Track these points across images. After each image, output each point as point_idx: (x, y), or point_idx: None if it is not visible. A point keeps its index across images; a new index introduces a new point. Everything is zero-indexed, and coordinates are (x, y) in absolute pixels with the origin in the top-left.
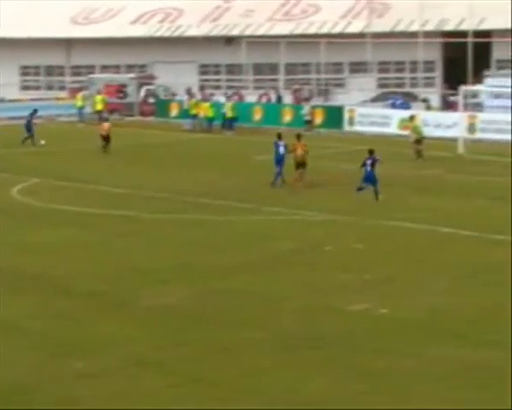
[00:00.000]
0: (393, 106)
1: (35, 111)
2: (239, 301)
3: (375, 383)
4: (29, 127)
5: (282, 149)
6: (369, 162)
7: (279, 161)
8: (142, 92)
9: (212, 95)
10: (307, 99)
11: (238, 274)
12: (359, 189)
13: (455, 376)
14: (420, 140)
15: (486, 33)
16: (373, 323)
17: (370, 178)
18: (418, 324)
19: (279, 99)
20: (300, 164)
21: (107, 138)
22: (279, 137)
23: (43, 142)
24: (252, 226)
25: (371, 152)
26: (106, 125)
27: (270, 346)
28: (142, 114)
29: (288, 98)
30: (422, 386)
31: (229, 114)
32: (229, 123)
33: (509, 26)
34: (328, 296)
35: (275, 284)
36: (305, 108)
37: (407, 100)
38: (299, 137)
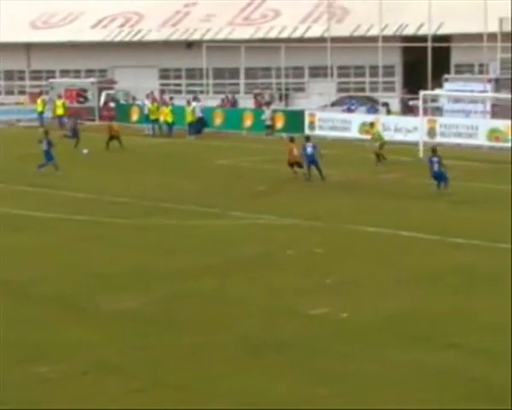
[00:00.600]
0: (349, 110)
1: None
2: (202, 305)
3: (337, 386)
4: (75, 132)
5: (309, 150)
6: (435, 160)
7: (310, 161)
8: (103, 97)
9: (171, 99)
10: (268, 103)
11: (201, 278)
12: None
13: (418, 379)
14: (381, 145)
15: (445, 38)
16: (335, 327)
17: (440, 176)
18: (380, 327)
19: (233, 104)
20: (297, 163)
21: (116, 138)
22: (307, 139)
23: (86, 151)
24: (214, 230)
25: (434, 150)
26: (115, 124)
27: (233, 350)
28: (103, 118)
29: (247, 103)
30: (385, 389)
31: (189, 118)
32: (190, 127)
33: (467, 31)
34: (290, 300)
35: (237, 287)
36: (266, 113)
37: (373, 104)
38: (292, 139)
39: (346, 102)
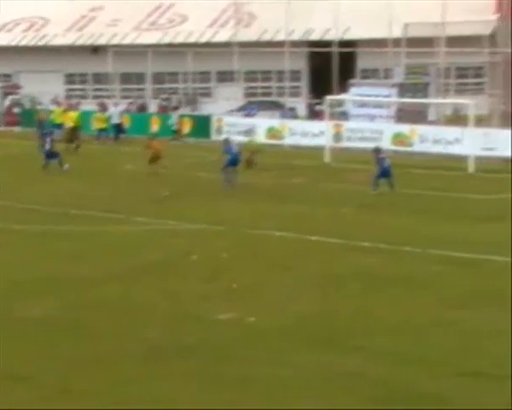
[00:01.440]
0: (249, 115)
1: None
2: (108, 312)
3: (244, 391)
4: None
5: (235, 149)
6: (384, 156)
7: (234, 161)
8: (7, 102)
9: (78, 104)
10: (175, 108)
11: (106, 285)
12: (376, 185)
13: (324, 382)
14: (256, 151)
15: (351, 43)
16: (240, 331)
17: (388, 172)
18: (286, 331)
19: (143, 108)
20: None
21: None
22: (227, 142)
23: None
24: (120, 237)
25: (379, 149)
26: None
27: (139, 356)
28: (7, 124)
29: (154, 107)
30: (291, 393)
31: (102, 124)
32: (100, 132)
33: (372, 36)
34: (195, 306)
35: (143, 294)
36: (173, 118)
37: (284, 110)
38: (152, 138)
39: (247, 107)
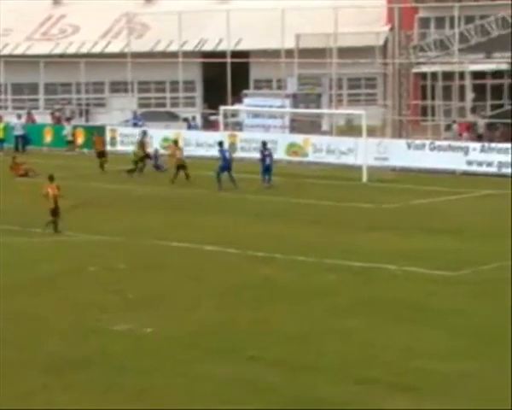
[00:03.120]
0: (135, 126)
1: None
2: (5, 324)
3: (142, 402)
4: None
5: (227, 154)
6: (267, 154)
7: (226, 166)
8: None
9: None
10: (68, 119)
11: (3, 297)
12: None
13: (223, 391)
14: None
15: (244, 54)
16: (138, 342)
17: (269, 169)
18: (184, 341)
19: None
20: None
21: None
22: (221, 144)
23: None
24: (16, 248)
25: (265, 144)
26: None
27: (36, 368)
28: None
29: (47, 118)
30: (191, 403)
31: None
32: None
33: (265, 47)
34: (93, 317)
35: (39, 305)
36: (67, 129)
37: (188, 120)
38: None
39: (134, 118)
